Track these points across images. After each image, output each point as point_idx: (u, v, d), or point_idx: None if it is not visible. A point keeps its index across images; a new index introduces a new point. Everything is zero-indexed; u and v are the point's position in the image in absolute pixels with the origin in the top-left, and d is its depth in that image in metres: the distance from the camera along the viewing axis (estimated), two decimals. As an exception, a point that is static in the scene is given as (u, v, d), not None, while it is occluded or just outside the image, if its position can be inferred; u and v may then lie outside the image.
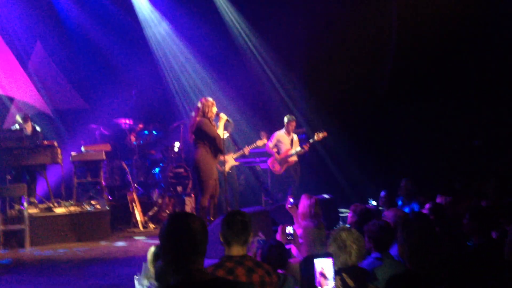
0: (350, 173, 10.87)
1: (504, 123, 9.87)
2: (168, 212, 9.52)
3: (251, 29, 11.75)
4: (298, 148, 9.50)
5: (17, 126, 8.48)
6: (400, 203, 6.72)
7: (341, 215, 8.20)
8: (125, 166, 9.49)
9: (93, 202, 8.53)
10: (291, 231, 4.75)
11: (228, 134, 8.62)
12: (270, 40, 11.43)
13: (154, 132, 10.38)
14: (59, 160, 8.48)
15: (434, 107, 10.29)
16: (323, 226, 4.99)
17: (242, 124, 10.67)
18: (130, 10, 11.74)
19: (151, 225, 9.08)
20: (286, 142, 9.60)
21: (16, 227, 7.62)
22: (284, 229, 4.73)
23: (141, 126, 10.40)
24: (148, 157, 10.40)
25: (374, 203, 7.23)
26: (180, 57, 11.83)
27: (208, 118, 7.10)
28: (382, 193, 6.83)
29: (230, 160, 9.09)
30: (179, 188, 9.66)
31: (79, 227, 8.09)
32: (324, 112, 10.96)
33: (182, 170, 9.73)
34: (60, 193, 8.82)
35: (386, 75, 10.86)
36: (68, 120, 11.01)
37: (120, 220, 9.10)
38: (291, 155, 9.53)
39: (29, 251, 7.45)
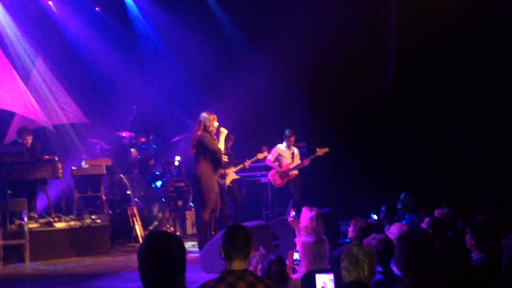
0: (351, 187, 10.87)
1: (504, 137, 9.90)
2: (168, 226, 9.51)
3: (250, 43, 11.83)
4: (298, 162, 9.54)
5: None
6: (399, 217, 6.72)
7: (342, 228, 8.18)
8: (125, 180, 9.49)
9: (93, 216, 8.52)
10: (298, 258, 4.73)
11: (228, 148, 8.65)
12: (269, 54, 11.49)
13: (154, 146, 10.40)
14: (60, 175, 8.49)
15: (434, 120, 10.33)
16: (323, 240, 4.98)
17: (243, 138, 10.69)
18: (129, 25, 11.85)
19: (152, 240, 9.05)
20: (287, 156, 9.64)
21: (16, 241, 7.60)
22: (291, 255, 4.71)
23: (142, 140, 10.42)
24: (148, 171, 10.40)
25: (375, 217, 7.23)
26: (179, 71, 11.90)
27: (209, 132, 7.13)
28: (383, 207, 6.83)
29: (231, 174, 9.10)
30: (180, 202, 9.66)
31: (80, 241, 8.07)
32: (324, 126, 11.00)
33: (182, 184, 9.73)
34: (60, 208, 8.81)
35: (385, 89, 10.91)
36: (69, 135, 11.05)
37: (121, 235, 9.07)
38: (292, 169, 9.54)
39: (29, 266, 7.42)
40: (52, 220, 8.24)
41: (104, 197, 8.93)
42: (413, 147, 10.47)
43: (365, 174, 10.71)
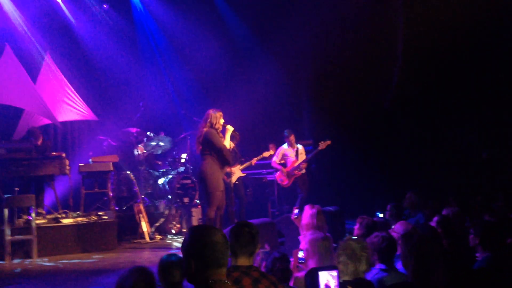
0: (357, 185, 10.85)
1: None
2: (174, 223, 9.54)
3: (257, 40, 11.83)
4: (304, 158, 9.61)
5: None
6: (406, 215, 6.70)
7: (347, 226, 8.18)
8: (132, 177, 9.53)
9: (100, 213, 8.57)
10: (302, 256, 4.72)
11: (234, 146, 8.67)
12: (276, 51, 11.49)
13: (161, 143, 10.42)
14: (67, 171, 8.55)
15: (442, 118, 10.28)
16: (328, 237, 4.97)
17: (249, 136, 10.70)
18: (136, 23, 11.89)
19: (158, 236, 9.10)
20: (291, 155, 9.74)
21: (24, 237, 7.66)
22: (296, 254, 4.71)
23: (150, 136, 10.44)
24: (155, 168, 10.44)
25: (382, 215, 7.21)
26: (186, 68, 11.92)
27: (216, 129, 7.14)
28: (389, 206, 6.81)
29: (237, 172, 9.13)
30: (186, 199, 9.69)
31: (86, 237, 8.12)
32: (331, 124, 10.98)
33: (189, 181, 9.76)
34: (67, 204, 8.87)
35: (392, 87, 10.87)
36: (76, 132, 11.11)
37: (127, 231, 9.12)
38: (297, 167, 9.58)
39: (36, 261, 7.48)
40: (59, 216, 8.30)
41: (111, 194, 8.97)
42: (419, 145, 10.43)
43: (371, 173, 10.69)
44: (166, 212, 9.56)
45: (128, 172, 9.64)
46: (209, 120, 7.17)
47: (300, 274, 4.14)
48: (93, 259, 7.61)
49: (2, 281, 6.44)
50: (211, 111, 7.25)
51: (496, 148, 10.04)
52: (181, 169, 10.05)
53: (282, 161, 9.77)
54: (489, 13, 9.46)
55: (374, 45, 10.59)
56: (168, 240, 9.10)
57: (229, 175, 8.17)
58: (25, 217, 8.00)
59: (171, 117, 11.80)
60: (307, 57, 11.68)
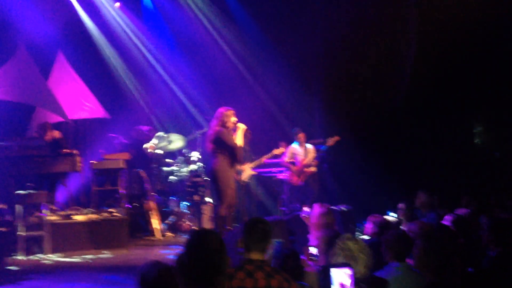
0: (368, 184, 10.80)
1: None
2: (184, 220, 9.56)
3: (268, 39, 11.82)
4: (313, 156, 9.60)
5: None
6: (416, 215, 6.66)
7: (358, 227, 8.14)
8: (143, 174, 9.57)
9: (111, 210, 8.61)
10: (315, 252, 4.71)
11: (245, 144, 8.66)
12: (287, 49, 11.47)
13: (172, 141, 10.44)
14: (79, 168, 8.60)
15: (454, 118, 10.22)
16: (340, 234, 4.95)
17: (260, 134, 10.69)
18: (148, 20, 11.93)
19: (169, 234, 9.13)
20: (300, 153, 9.75)
21: (37, 233, 7.72)
22: (307, 251, 4.70)
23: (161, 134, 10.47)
24: (166, 166, 10.46)
25: (393, 215, 7.18)
26: (197, 66, 11.94)
27: (227, 128, 7.15)
28: (400, 205, 6.78)
29: (247, 170, 9.12)
30: (197, 197, 9.70)
31: (98, 234, 8.14)
32: (342, 123, 10.95)
33: (199, 179, 9.78)
34: (79, 201, 8.92)
35: (404, 86, 10.82)
36: (88, 129, 11.16)
37: (138, 229, 9.15)
38: (306, 165, 9.60)
39: (48, 257, 7.53)
40: (71, 213, 8.35)
41: (122, 191, 9.01)
42: (432, 145, 10.38)
43: (383, 172, 10.64)
44: (177, 209, 9.59)
45: (140, 170, 9.67)
46: (220, 118, 7.17)
47: (312, 270, 4.13)
48: (105, 255, 7.65)
49: (16, 276, 6.50)
50: (222, 110, 7.26)
51: (509, 147, 9.97)
52: (193, 167, 10.07)
53: (292, 160, 9.79)
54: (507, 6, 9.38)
55: (386, 45, 10.54)
56: (179, 237, 9.12)
57: (239, 173, 8.16)
58: (37, 213, 8.06)
59: (183, 115, 11.83)
60: (319, 57, 11.66)
